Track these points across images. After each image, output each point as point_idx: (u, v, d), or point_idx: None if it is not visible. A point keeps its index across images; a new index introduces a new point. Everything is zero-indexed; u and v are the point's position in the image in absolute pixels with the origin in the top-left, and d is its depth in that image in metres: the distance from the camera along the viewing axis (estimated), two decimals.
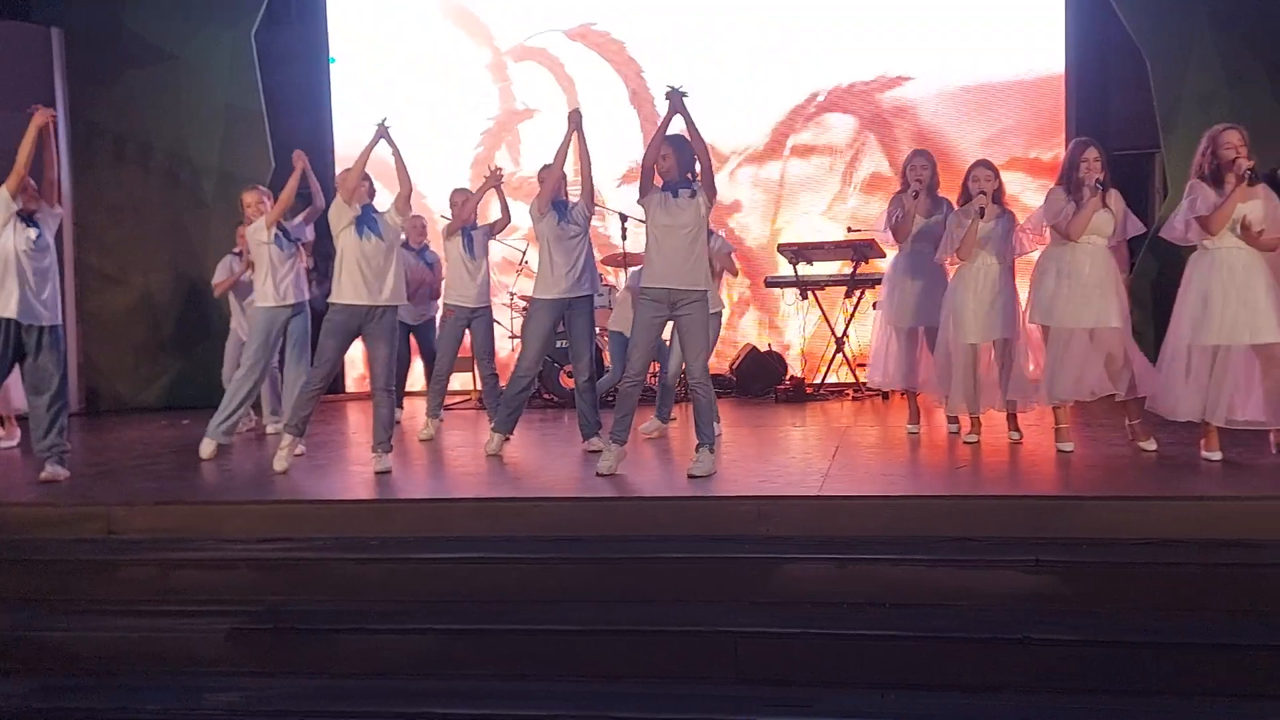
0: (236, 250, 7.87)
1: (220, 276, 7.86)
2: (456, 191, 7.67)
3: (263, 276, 6.74)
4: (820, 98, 9.90)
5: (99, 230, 9.82)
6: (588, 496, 5.28)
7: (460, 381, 9.62)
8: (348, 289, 5.91)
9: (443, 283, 7.82)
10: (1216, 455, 5.46)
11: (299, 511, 5.33)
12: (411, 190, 6.25)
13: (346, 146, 10.35)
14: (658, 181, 5.69)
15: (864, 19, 9.74)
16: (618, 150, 10.15)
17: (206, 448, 6.66)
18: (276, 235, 6.70)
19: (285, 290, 6.73)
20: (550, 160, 6.57)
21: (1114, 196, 5.79)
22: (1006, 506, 4.80)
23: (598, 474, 5.57)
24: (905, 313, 6.59)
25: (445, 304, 7.38)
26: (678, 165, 5.64)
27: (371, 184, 6.20)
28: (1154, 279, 8.21)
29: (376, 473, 5.89)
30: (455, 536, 5.02)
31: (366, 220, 5.98)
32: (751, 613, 4.46)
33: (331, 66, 10.50)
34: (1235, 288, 5.31)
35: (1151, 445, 5.82)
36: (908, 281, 6.58)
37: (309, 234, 7.03)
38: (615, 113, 10.15)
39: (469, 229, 7.33)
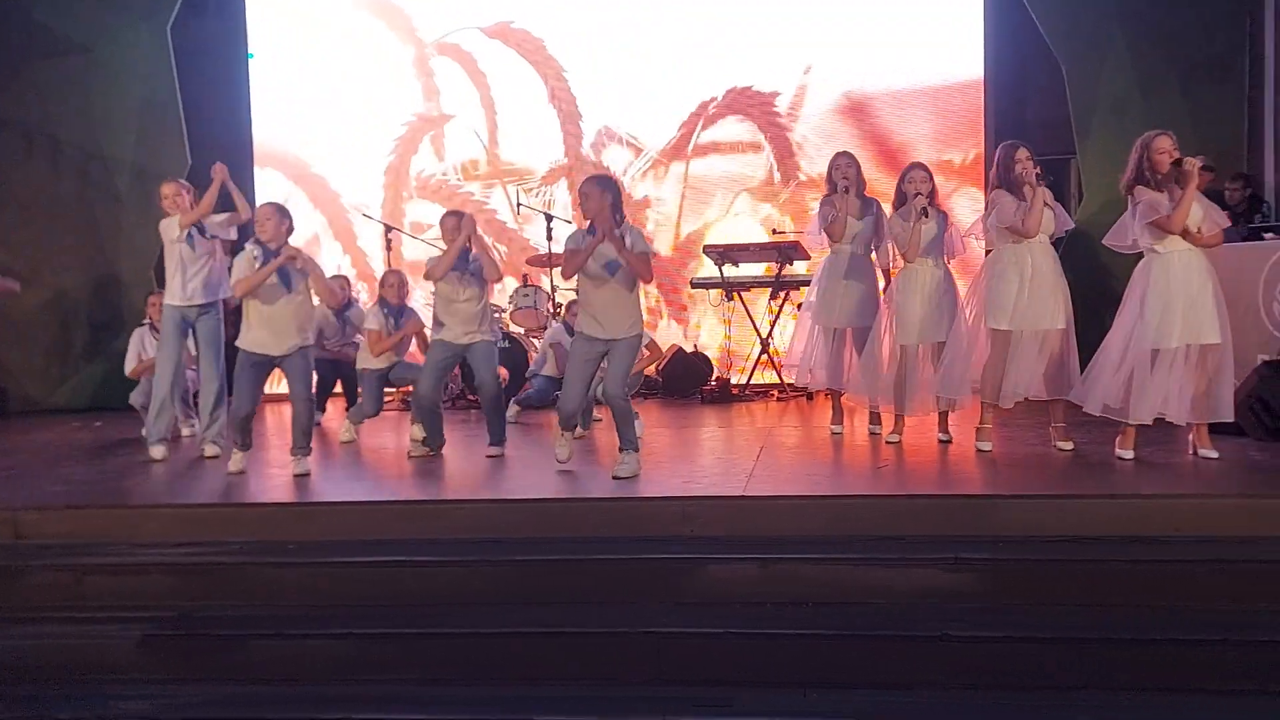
0: (146, 321, 7.65)
1: (131, 358, 7.59)
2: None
3: (172, 273, 6.59)
4: (738, 97, 9.93)
5: (7, 228, 9.50)
6: (511, 498, 5.25)
7: None
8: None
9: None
10: (1130, 454, 5.59)
11: (215, 515, 5.22)
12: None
13: (266, 143, 10.20)
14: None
15: (783, 20, 9.78)
16: (538, 150, 10.11)
17: (156, 451, 6.55)
18: (190, 234, 6.55)
19: (194, 290, 6.57)
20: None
21: (1046, 194, 5.91)
22: (927, 506, 4.87)
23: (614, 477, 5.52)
24: (834, 314, 6.64)
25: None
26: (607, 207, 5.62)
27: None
28: (1070, 279, 8.36)
29: (295, 475, 5.79)
30: (376, 540, 4.94)
31: (281, 275, 5.90)
32: (675, 613, 4.45)
33: (250, 62, 10.29)
34: (1187, 290, 5.43)
35: (1068, 446, 5.93)
36: (838, 283, 6.63)
37: (231, 234, 6.88)
38: (535, 112, 10.09)
39: None
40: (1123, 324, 5.60)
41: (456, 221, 6.34)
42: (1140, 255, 5.64)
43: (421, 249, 9.64)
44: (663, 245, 10.04)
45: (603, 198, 5.55)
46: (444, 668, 4.33)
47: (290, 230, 6.02)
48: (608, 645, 4.31)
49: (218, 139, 9.78)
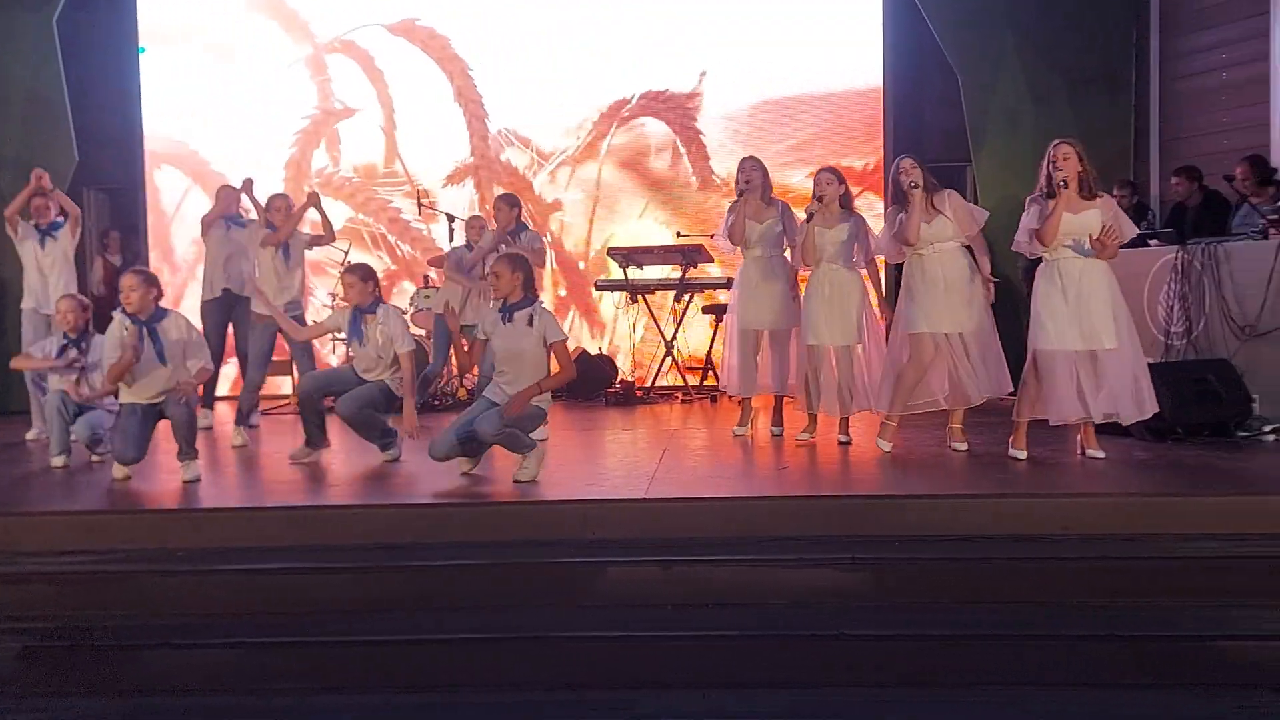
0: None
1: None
2: (277, 197, 7.40)
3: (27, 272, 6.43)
4: (641, 101, 9.95)
5: None
6: (407, 503, 5.16)
7: (277, 386, 9.33)
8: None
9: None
10: (1022, 454, 5.73)
11: (101, 523, 5.04)
12: None
13: (162, 140, 9.92)
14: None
15: (688, 25, 9.84)
16: (442, 150, 10.01)
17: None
18: (41, 235, 6.34)
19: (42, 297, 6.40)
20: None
21: (946, 199, 5.99)
22: (825, 506, 4.92)
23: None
24: (750, 316, 6.69)
25: (255, 311, 7.14)
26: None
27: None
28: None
29: (185, 481, 5.63)
30: (268, 546, 4.83)
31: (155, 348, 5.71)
32: (575, 617, 4.43)
33: (141, 56, 10.00)
34: (1076, 295, 5.58)
35: (963, 446, 6.05)
36: (753, 285, 6.68)
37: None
38: (439, 111, 9.99)
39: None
40: (1030, 329, 5.77)
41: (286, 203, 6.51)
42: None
43: (318, 250, 9.48)
44: (573, 247, 10.02)
45: (513, 275, 5.48)
46: (338, 677, 4.23)
47: (159, 297, 5.78)
48: (506, 651, 4.26)
49: (107, 134, 9.51)
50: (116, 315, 5.74)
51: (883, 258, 6.45)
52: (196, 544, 4.86)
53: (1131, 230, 5.86)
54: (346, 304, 6.14)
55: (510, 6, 9.92)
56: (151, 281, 5.76)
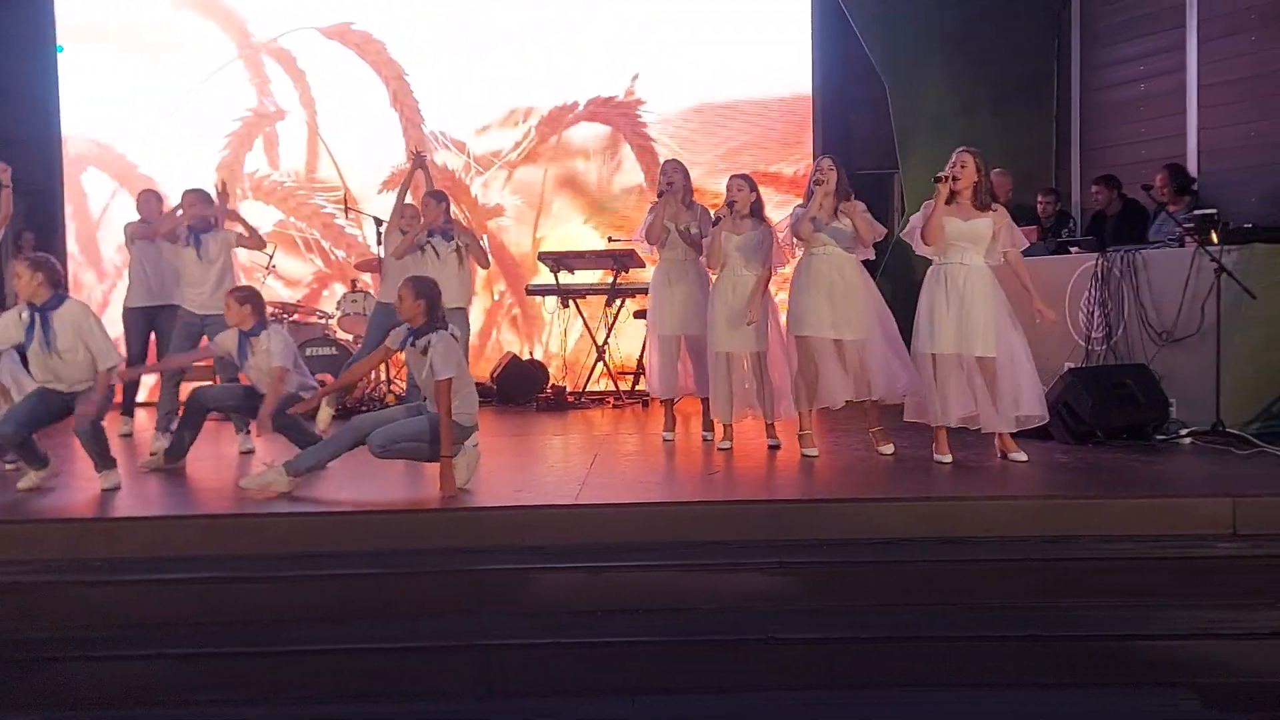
0: None
1: None
2: (191, 192, 7.21)
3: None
4: (580, 107, 9.96)
5: None
6: (331, 511, 5.08)
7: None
8: None
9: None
10: (947, 458, 5.81)
11: (14, 533, 4.89)
12: None
13: (87, 142, 9.71)
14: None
15: (623, 32, 9.86)
16: (378, 155, 9.92)
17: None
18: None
19: None
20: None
21: (853, 207, 6.07)
22: (753, 510, 4.95)
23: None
24: (665, 320, 6.71)
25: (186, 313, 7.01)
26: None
27: None
28: (894, 287, 8.65)
29: (104, 490, 5.49)
30: (188, 555, 4.72)
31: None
32: (504, 625, 4.40)
33: (60, 55, 9.76)
34: (957, 302, 5.69)
35: (889, 450, 6.13)
36: (667, 289, 6.70)
37: None
38: (374, 115, 9.89)
39: (199, 232, 6.97)
40: (914, 331, 5.87)
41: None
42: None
43: (242, 253, 9.34)
44: (514, 251, 9.99)
45: (415, 301, 5.33)
46: (261, 688, 4.16)
47: (56, 285, 5.54)
48: (434, 660, 4.22)
49: (23, 135, 9.27)
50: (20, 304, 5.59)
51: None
52: (115, 554, 4.74)
53: (1022, 241, 6.00)
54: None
55: (446, 12, 9.85)
56: (41, 266, 5.53)
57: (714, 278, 6.52)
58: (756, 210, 6.38)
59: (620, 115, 9.98)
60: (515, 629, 4.37)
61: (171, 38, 9.83)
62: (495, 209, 10.01)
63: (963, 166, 5.74)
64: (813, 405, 6.14)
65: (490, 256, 8.27)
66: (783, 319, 6.40)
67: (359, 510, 5.07)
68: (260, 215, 9.66)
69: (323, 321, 9.42)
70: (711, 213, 6.53)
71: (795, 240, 6.18)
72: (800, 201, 6.22)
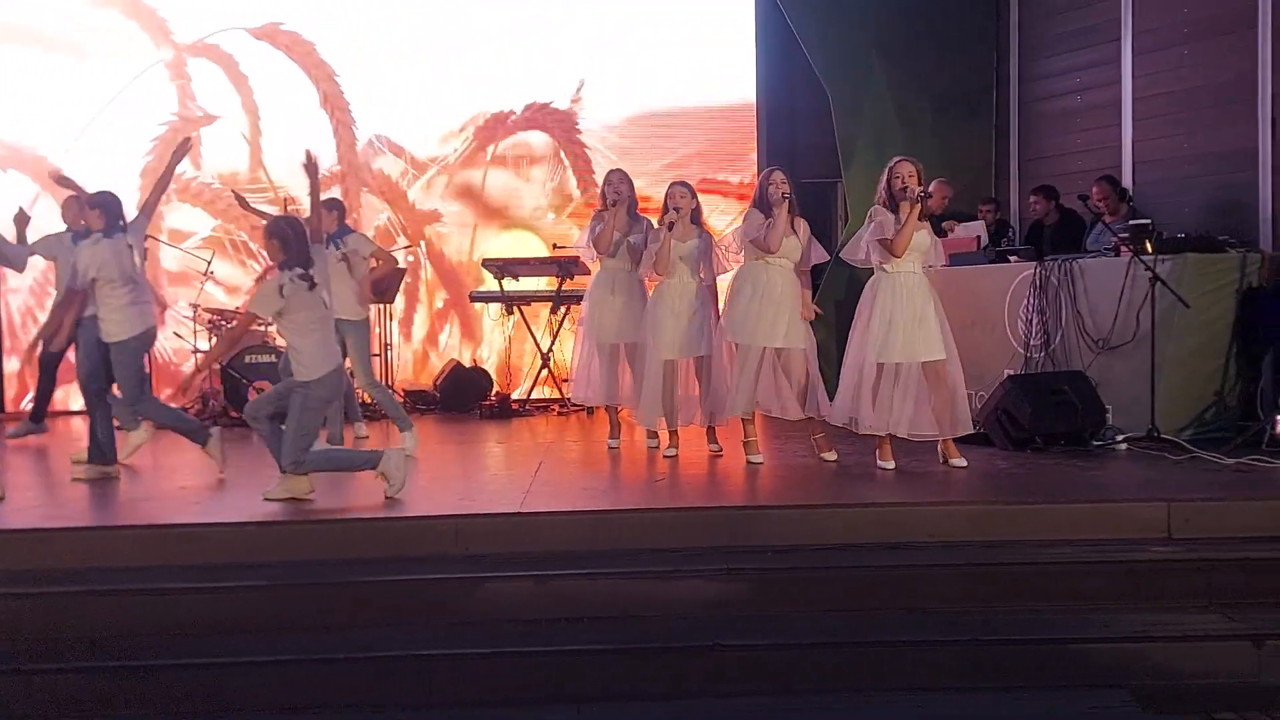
0: None
1: None
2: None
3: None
4: (519, 114, 9.92)
5: None
6: (268, 520, 4.99)
7: None
8: None
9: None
10: (890, 465, 5.86)
11: None
12: None
13: (6, 144, 9.47)
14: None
15: (566, 37, 9.84)
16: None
17: None
18: None
19: None
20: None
21: (801, 225, 6.14)
22: (699, 517, 4.94)
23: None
24: (606, 328, 6.69)
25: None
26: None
27: None
28: (839, 300, 8.73)
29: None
30: (120, 566, 4.62)
31: None
32: (447, 635, 4.35)
33: None
34: (911, 309, 5.74)
35: (832, 456, 6.16)
36: (608, 298, 6.69)
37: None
38: (305, 117, 9.77)
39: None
40: (854, 340, 5.91)
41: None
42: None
43: (183, 257, 9.21)
44: (452, 257, 9.92)
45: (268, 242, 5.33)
46: (194, 702, 4.07)
47: None
48: (375, 671, 4.15)
49: None
50: None
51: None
52: (43, 564, 4.62)
53: (942, 255, 6.09)
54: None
55: (380, 13, 9.76)
56: None
57: (651, 286, 6.54)
58: (696, 218, 6.42)
59: (557, 123, 9.95)
60: (458, 639, 4.32)
61: (95, 39, 9.63)
62: (432, 214, 9.93)
63: (910, 176, 5.79)
64: (744, 410, 6.15)
65: (399, 259, 8.13)
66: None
67: (297, 520, 4.99)
68: (191, 220, 9.52)
69: (261, 329, 9.27)
70: (655, 224, 6.55)
71: (747, 250, 6.17)
72: (745, 211, 6.21)
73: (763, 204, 6.10)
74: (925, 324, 5.75)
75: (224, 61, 9.76)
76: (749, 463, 6.12)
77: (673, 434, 6.49)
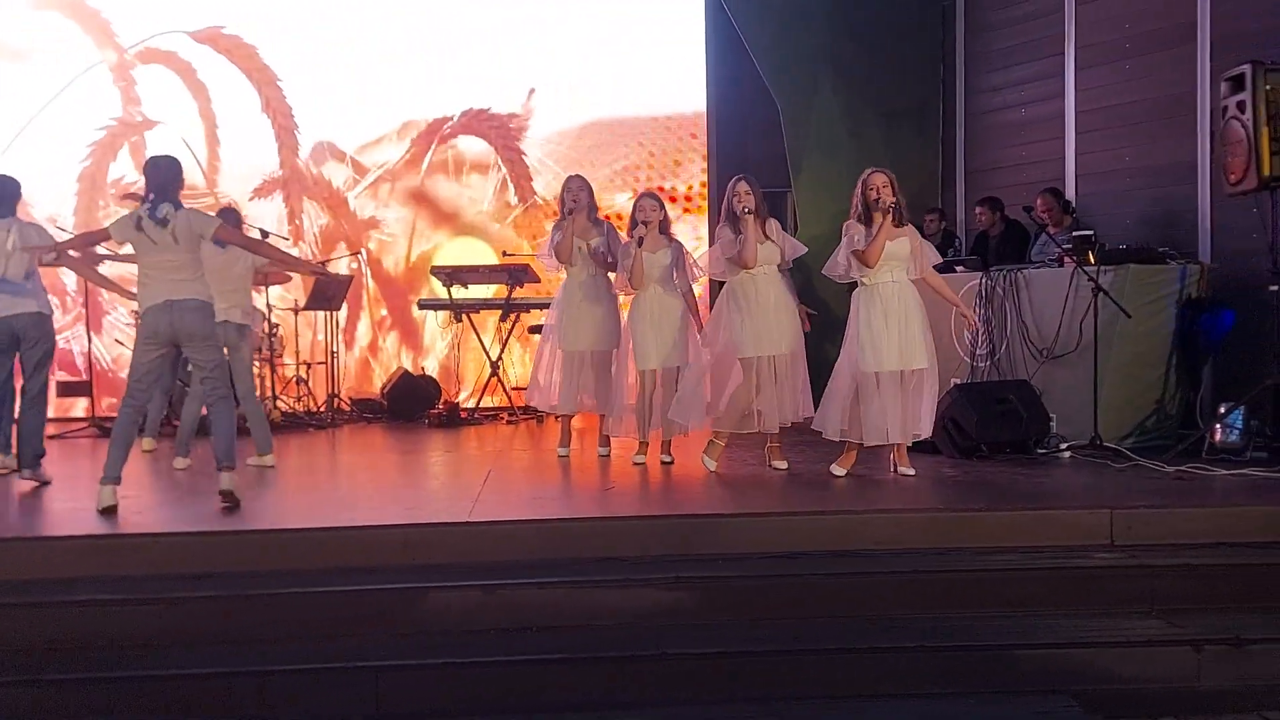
0: None
1: None
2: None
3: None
4: (464, 119, 9.86)
5: None
6: (212, 530, 4.92)
7: (79, 407, 8.88)
8: None
9: None
10: (842, 472, 5.90)
11: None
12: None
13: None
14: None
15: (514, 43, 9.80)
16: (253, 162, 9.68)
17: None
18: None
19: None
20: None
21: (773, 226, 6.16)
22: (649, 526, 4.94)
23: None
24: (573, 337, 6.67)
25: None
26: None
27: None
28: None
29: None
30: (63, 578, 4.53)
31: None
32: (394, 645, 4.31)
33: None
34: (894, 318, 5.78)
35: (783, 465, 6.18)
36: (574, 306, 6.67)
37: None
38: (247, 122, 9.67)
39: None
40: (846, 351, 5.93)
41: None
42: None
43: (120, 266, 9.04)
44: (392, 265, 9.84)
45: None
46: (137, 714, 4.00)
47: None
48: (321, 683, 4.10)
49: None
50: None
51: (703, 278, 6.55)
52: None
53: (936, 257, 6.13)
54: None
55: (324, 18, 9.66)
56: None
57: (622, 296, 6.55)
58: (665, 229, 6.43)
59: (497, 130, 9.91)
60: (406, 649, 4.28)
61: (34, 40, 9.46)
62: (372, 221, 9.85)
63: (884, 187, 5.82)
64: (744, 428, 6.15)
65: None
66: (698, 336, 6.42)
67: (243, 530, 4.93)
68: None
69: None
70: (618, 230, 6.55)
71: (728, 267, 6.15)
72: (724, 225, 6.19)
73: (730, 218, 6.11)
74: (908, 332, 5.78)
75: (167, 65, 9.61)
76: (705, 468, 6.11)
77: (642, 444, 6.47)
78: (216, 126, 9.66)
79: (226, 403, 5.40)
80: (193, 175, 9.54)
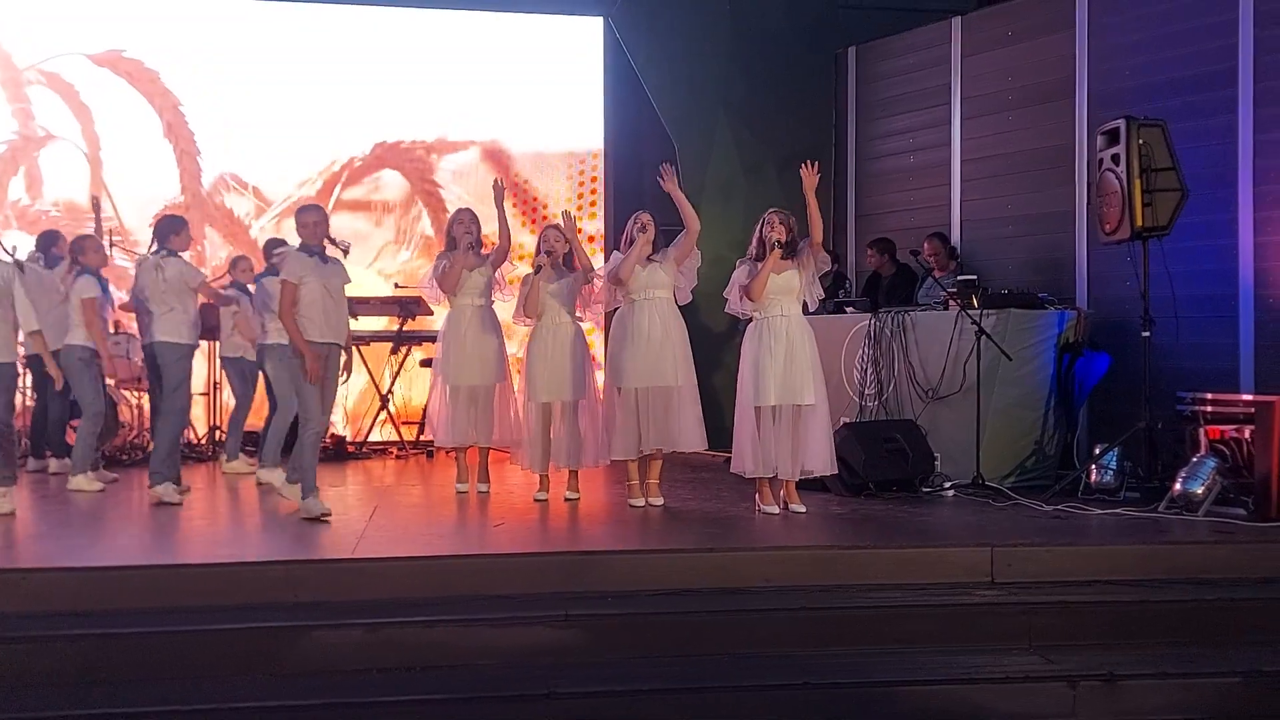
0: None
1: None
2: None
3: None
4: (371, 152, 9.73)
5: None
6: (86, 566, 4.73)
7: None
8: None
9: None
10: (774, 509, 5.93)
11: None
12: None
13: None
14: None
15: (420, 75, 9.71)
16: (153, 187, 9.40)
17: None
18: None
19: None
20: None
21: (669, 255, 6.25)
22: (537, 563, 4.91)
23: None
24: (456, 370, 6.60)
25: None
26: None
27: None
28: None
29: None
30: None
31: None
32: (274, 685, 4.18)
33: None
34: (783, 352, 5.86)
35: (659, 500, 6.19)
36: (460, 338, 6.61)
37: None
38: (148, 147, 9.40)
39: None
40: (740, 386, 6.00)
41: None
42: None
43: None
44: None
45: None
46: None
47: None
48: None
49: None
50: None
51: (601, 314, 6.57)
52: None
53: (819, 292, 6.23)
54: None
55: (228, 45, 9.46)
56: None
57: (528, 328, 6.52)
58: (569, 261, 6.42)
59: (408, 161, 9.82)
60: (286, 690, 4.15)
61: None
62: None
63: (781, 223, 5.94)
64: (626, 455, 6.15)
65: None
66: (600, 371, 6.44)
67: (113, 567, 4.73)
68: (23, 243, 9.01)
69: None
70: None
71: (615, 286, 6.20)
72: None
73: (625, 244, 6.22)
74: (793, 367, 5.86)
75: (63, 89, 9.31)
76: (638, 505, 6.11)
77: (544, 478, 6.40)
78: (115, 150, 9.33)
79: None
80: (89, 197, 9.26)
